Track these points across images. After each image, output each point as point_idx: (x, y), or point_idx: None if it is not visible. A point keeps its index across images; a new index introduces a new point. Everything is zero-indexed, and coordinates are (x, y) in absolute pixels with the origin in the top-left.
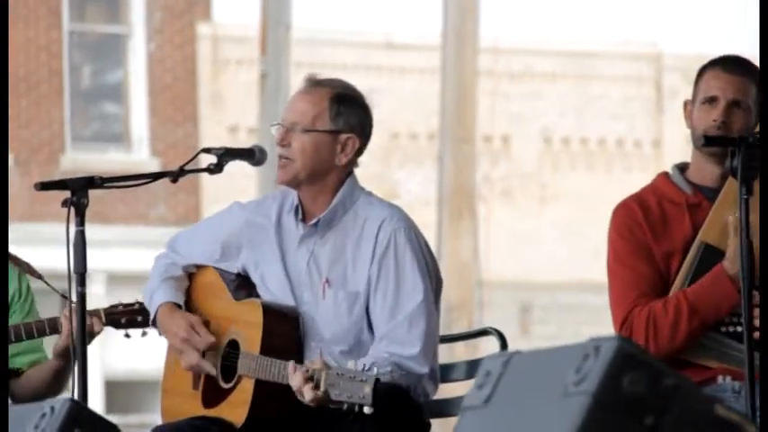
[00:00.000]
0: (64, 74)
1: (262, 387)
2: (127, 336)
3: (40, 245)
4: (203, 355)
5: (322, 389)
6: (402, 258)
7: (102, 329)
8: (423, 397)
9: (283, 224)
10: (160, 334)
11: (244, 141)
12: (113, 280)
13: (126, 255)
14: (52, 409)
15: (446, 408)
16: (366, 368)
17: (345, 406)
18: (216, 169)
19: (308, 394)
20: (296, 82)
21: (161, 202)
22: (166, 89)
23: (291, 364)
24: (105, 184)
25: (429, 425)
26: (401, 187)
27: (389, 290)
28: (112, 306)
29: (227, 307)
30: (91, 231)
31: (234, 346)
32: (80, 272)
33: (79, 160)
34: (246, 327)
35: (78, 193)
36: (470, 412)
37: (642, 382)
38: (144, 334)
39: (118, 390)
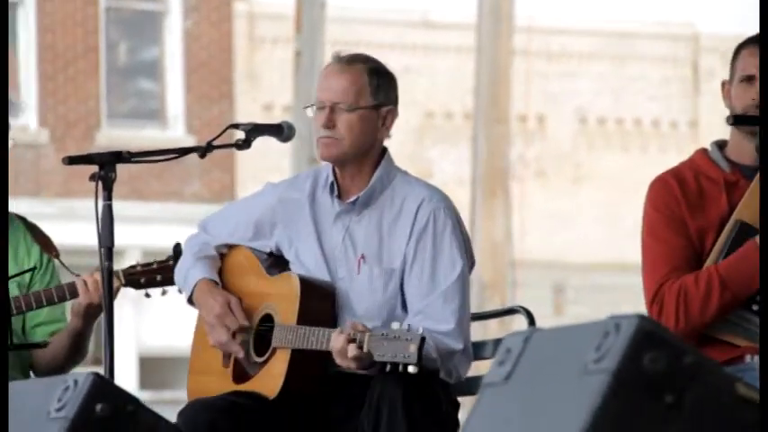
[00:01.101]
0: (100, 50)
1: (297, 357)
2: (147, 295)
3: (75, 220)
4: (233, 336)
5: (365, 350)
6: (441, 236)
7: (119, 288)
8: (455, 374)
9: (318, 200)
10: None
11: (278, 119)
12: (148, 256)
13: (161, 231)
14: (75, 382)
15: (476, 386)
16: (408, 329)
17: (389, 366)
18: (244, 145)
19: (351, 352)
20: (329, 60)
21: (196, 179)
22: (202, 66)
23: (337, 329)
24: (133, 159)
25: (458, 404)
26: (435, 166)
27: (426, 266)
28: (131, 266)
29: (261, 283)
30: (126, 208)
31: (267, 320)
32: (107, 246)
33: (115, 136)
34: (282, 300)
35: (106, 167)
36: (490, 389)
37: (662, 360)
38: (164, 293)
39: (152, 366)
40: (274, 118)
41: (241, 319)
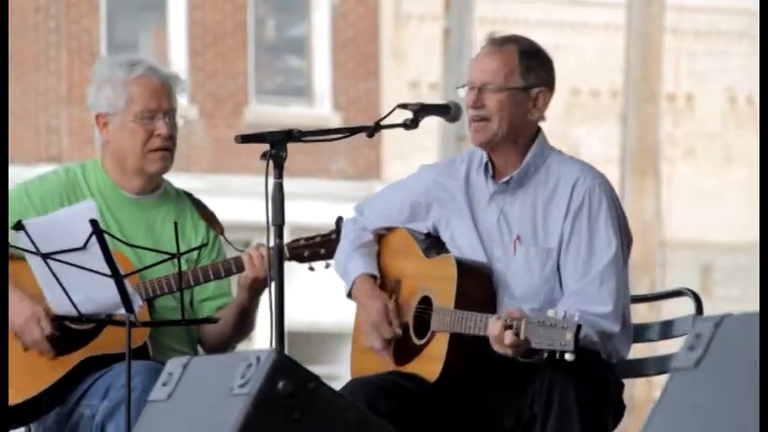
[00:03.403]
0: (249, 26)
1: (456, 341)
2: (311, 269)
3: (225, 196)
4: (389, 342)
5: (522, 337)
6: (596, 215)
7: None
8: (615, 356)
9: (472, 182)
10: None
11: (425, 97)
12: (295, 232)
13: (307, 207)
14: (258, 359)
15: (638, 367)
16: (564, 316)
17: (546, 354)
18: (412, 125)
19: (508, 339)
20: (480, 38)
21: (342, 157)
22: (349, 44)
23: (494, 316)
24: (304, 138)
25: (623, 385)
26: (582, 145)
27: (582, 246)
28: (294, 241)
29: (419, 265)
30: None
31: (426, 302)
32: (278, 224)
33: (262, 113)
34: (439, 282)
35: (277, 146)
36: (680, 374)
37: None
38: (327, 266)
39: (297, 341)
40: (420, 96)
41: (394, 329)
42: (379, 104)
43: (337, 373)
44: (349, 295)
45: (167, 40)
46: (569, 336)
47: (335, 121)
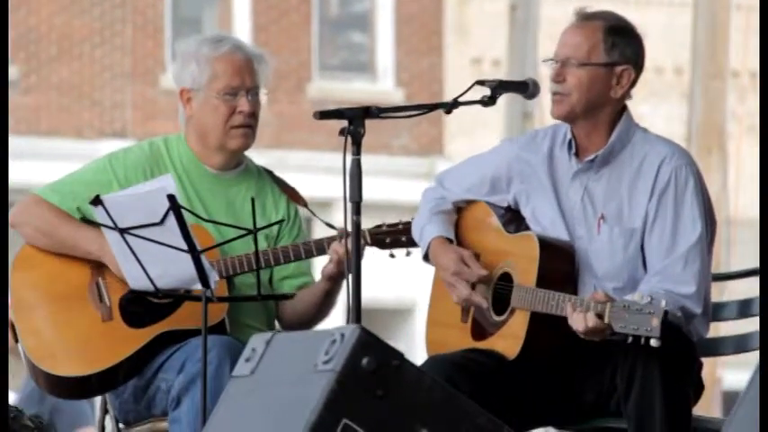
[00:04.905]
0: (312, 2)
1: (537, 320)
2: (392, 256)
3: (286, 171)
4: (474, 287)
5: (606, 320)
6: (681, 196)
7: (364, 247)
8: (695, 336)
9: (555, 158)
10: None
11: (488, 73)
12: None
13: (369, 184)
14: (342, 336)
15: (715, 347)
16: (650, 301)
17: (630, 338)
18: (489, 102)
19: (591, 322)
20: (546, 15)
21: (404, 133)
22: (412, 19)
23: (575, 297)
24: (381, 114)
25: (701, 364)
26: (645, 122)
27: (667, 227)
28: (377, 226)
29: (499, 240)
30: (336, 159)
31: (506, 278)
32: (355, 201)
33: (326, 89)
34: (521, 259)
35: (355, 122)
36: None
37: None
38: (408, 254)
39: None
40: (483, 72)
41: (477, 270)
42: (441, 80)
43: (398, 349)
44: (425, 258)
45: (231, 15)
46: (656, 322)
47: (398, 97)
